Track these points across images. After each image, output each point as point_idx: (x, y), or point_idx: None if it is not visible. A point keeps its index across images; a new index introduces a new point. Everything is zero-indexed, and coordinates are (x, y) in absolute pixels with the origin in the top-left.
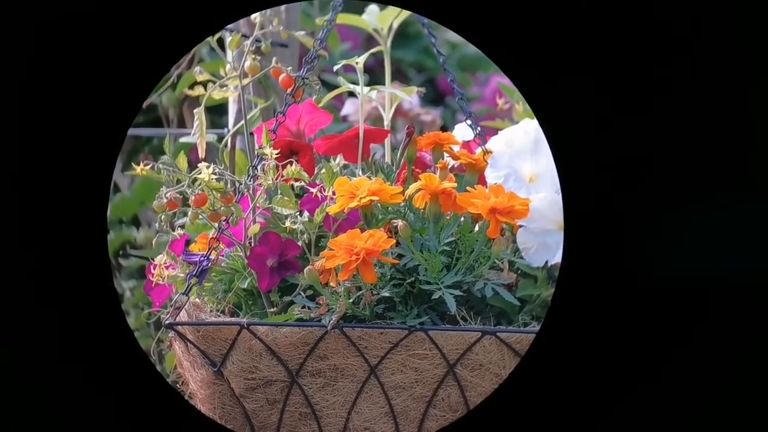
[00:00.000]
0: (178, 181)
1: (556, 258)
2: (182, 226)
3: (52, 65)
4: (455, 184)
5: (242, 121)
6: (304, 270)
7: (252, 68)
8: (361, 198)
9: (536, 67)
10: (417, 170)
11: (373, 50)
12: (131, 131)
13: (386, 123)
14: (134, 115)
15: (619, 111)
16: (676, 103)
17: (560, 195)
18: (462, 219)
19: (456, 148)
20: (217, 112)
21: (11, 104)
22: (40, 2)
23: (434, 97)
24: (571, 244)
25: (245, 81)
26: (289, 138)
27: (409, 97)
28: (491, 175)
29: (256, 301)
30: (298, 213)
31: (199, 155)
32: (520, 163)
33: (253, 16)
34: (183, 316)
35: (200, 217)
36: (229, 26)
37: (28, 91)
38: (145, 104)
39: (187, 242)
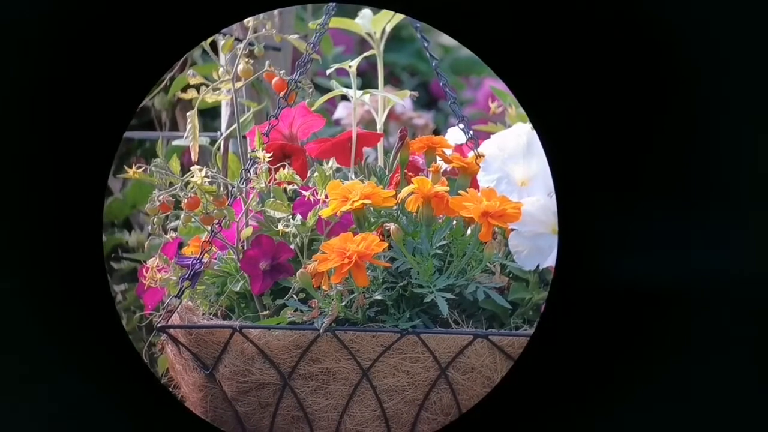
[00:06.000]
0: (171, 184)
1: (548, 261)
2: (175, 229)
3: (48, 69)
4: (447, 188)
5: (235, 125)
6: (297, 273)
7: (245, 71)
8: (353, 201)
9: (529, 71)
10: (409, 174)
11: (366, 54)
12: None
13: (379, 126)
14: (129, 119)
15: (611, 114)
16: (670, 106)
17: (553, 198)
18: (454, 222)
19: (448, 152)
20: (209, 115)
21: (6, 108)
22: (37, 5)
23: (427, 100)
24: (563, 247)
25: (238, 84)
26: (281, 141)
27: (402, 100)
28: (483, 179)
29: (248, 304)
30: (290, 216)
31: (192, 158)
32: (513, 166)
33: (246, 19)
34: (175, 319)
35: (193, 220)
36: (222, 30)
37: (24, 95)
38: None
39: (180, 245)
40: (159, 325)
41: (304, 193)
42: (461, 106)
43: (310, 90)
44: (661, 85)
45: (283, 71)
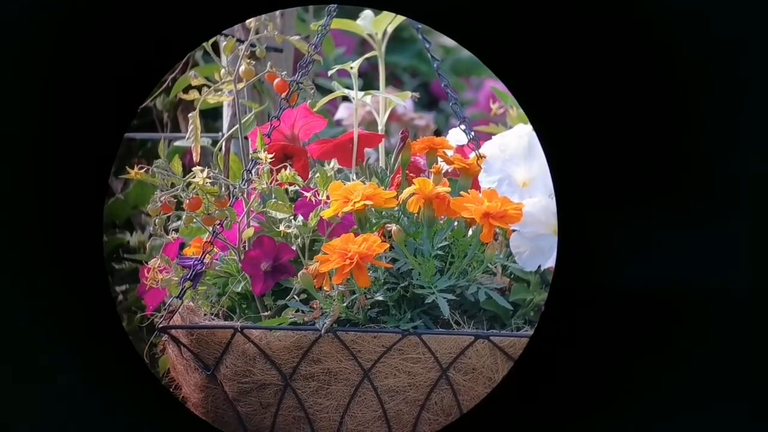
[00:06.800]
0: (173, 185)
1: (549, 262)
2: (176, 230)
3: (50, 69)
4: (449, 189)
5: (237, 126)
6: (298, 274)
7: (247, 73)
8: (355, 202)
9: (530, 72)
10: (411, 175)
11: (367, 55)
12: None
13: (380, 127)
14: (131, 120)
15: (612, 115)
16: (670, 107)
17: (553, 199)
18: (455, 223)
19: (450, 153)
20: (211, 116)
21: (8, 108)
22: (39, 6)
23: (428, 101)
24: (564, 248)
25: (240, 85)
26: (283, 142)
27: (403, 101)
28: (485, 180)
29: (249, 304)
30: (292, 217)
31: (194, 159)
32: (514, 167)
33: (248, 20)
34: (177, 320)
35: (194, 220)
36: (224, 31)
37: (26, 96)
38: (139, 108)
39: (181, 246)
40: (160, 325)
41: (306, 194)
42: (462, 107)
43: (312, 91)
44: (661, 85)
45: (285, 72)
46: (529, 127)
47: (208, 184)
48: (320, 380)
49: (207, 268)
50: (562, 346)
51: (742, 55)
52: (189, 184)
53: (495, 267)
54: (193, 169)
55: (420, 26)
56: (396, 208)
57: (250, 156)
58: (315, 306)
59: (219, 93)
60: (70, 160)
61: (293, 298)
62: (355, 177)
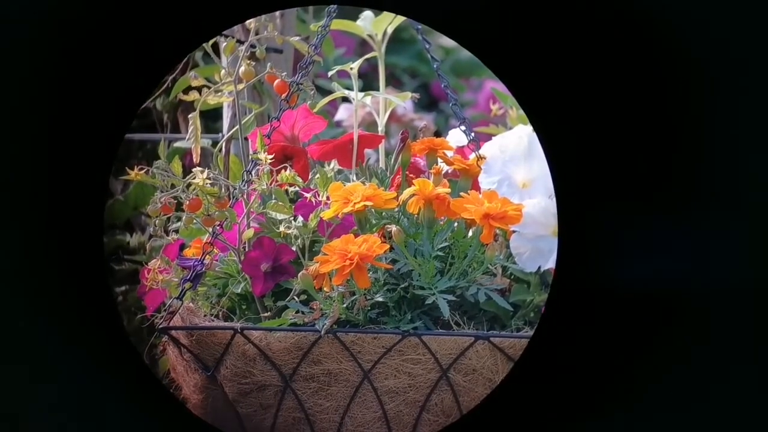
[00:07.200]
0: (173, 186)
1: (549, 263)
2: (176, 231)
3: (50, 70)
4: (449, 190)
5: (237, 126)
6: (298, 275)
7: (247, 73)
8: (355, 203)
9: (530, 72)
10: (411, 175)
11: (367, 56)
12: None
13: (380, 128)
14: (131, 121)
15: (612, 116)
16: (670, 107)
17: (553, 200)
18: (455, 224)
19: (450, 154)
20: (211, 117)
21: (8, 109)
22: (39, 6)
23: (428, 102)
24: (563, 249)
25: (240, 86)
26: (283, 143)
27: (403, 102)
28: (485, 181)
29: (250, 305)
30: (292, 218)
31: (194, 160)
32: (514, 168)
33: (248, 21)
34: (177, 321)
35: (194, 221)
36: (224, 32)
37: (26, 96)
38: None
39: (181, 247)
40: (160, 326)
41: (306, 194)
42: (462, 108)
43: (312, 92)
44: (661, 86)
45: (285, 73)
46: (528, 128)
47: (208, 185)
48: (320, 381)
49: (207, 269)
50: (562, 346)
51: (743, 55)
52: (189, 185)
53: (495, 268)
54: (193, 170)
55: (420, 27)
56: (396, 209)
57: (250, 157)
58: (315, 307)
59: (219, 94)
60: (71, 161)
61: (293, 299)
62: (355, 178)
